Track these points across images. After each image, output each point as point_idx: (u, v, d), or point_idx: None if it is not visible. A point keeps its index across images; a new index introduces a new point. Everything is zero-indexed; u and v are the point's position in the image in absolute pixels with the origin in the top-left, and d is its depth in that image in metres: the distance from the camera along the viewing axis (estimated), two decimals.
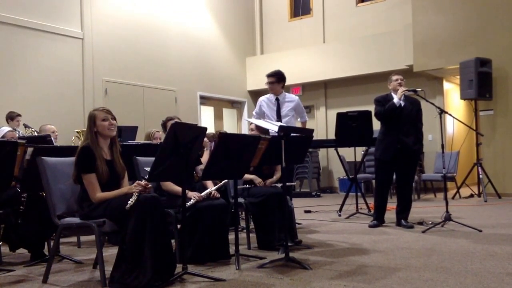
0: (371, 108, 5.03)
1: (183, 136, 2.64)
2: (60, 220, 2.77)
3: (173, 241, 3.66)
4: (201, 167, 3.27)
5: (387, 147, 4.58)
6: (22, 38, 6.77)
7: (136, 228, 2.55)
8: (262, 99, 5.01)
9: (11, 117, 5.67)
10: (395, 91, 4.57)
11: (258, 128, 4.08)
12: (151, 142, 4.64)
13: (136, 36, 8.34)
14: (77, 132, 5.73)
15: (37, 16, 6.97)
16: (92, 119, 2.82)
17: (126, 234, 2.57)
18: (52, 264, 2.83)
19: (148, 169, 2.66)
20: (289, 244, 3.21)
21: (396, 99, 4.51)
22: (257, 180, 3.87)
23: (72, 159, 3.03)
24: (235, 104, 10.86)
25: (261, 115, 4.91)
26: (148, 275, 2.52)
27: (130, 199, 2.56)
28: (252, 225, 3.98)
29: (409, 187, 4.73)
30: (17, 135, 4.22)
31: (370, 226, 4.64)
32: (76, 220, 2.77)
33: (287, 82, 11.34)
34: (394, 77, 4.65)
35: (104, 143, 2.84)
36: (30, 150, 3.29)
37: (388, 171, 4.70)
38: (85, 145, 2.77)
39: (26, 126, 5.22)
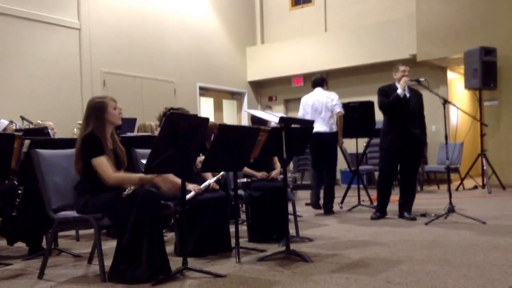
0: (374, 98, 4.95)
1: (181, 127, 2.58)
2: (56, 214, 2.72)
3: (173, 234, 3.65)
4: (200, 159, 3.21)
5: (395, 138, 4.49)
6: (17, 29, 6.68)
7: (136, 223, 2.51)
8: None
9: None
10: (400, 81, 4.49)
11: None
12: (150, 134, 4.59)
13: (134, 27, 8.24)
14: (80, 123, 5.66)
15: (33, 6, 6.87)
16: (103, 108, 2.73)
17: (126, 228, 2.52)
18: (48, 259, 2.78)
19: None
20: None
21: (400, 90, 4.43)
22: (258, 174, 3.79)
23: (69, 151, 2.98)
24: (235, 95, 10.77)
25: None
26: (147, 269, 2.49)
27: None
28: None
29: (414, 179, 4.67)
30: (13, 127, 4.18)
31: (372, 218, 4.60)
32: (73, 213, 2.71)
33: (288, 73, 11.08)
34: (401, 68, 4.55)
35: (108, 132, 2.80)
36: (27, 142, 3.25)
37: (393, 162, 4.61)
38: (88, 133, 2.68)
39: (23, 118, 5.16)
